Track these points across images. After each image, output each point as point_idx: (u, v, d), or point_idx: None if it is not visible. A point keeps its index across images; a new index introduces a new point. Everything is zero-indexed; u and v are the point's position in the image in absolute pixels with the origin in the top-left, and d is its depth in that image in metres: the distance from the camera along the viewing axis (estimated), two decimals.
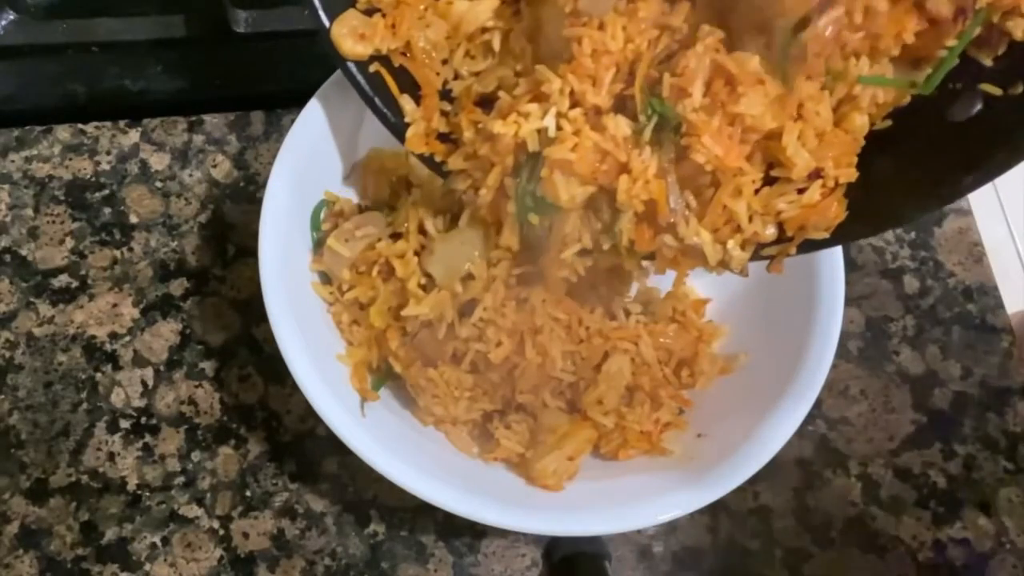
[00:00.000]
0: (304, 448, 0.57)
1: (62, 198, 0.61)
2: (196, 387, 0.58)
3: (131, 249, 0.61)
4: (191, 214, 0.62)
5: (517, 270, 0.48)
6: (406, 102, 0.46)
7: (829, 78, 0.40)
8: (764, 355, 0.53)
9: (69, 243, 0.60)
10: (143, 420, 0.57)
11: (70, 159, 0.62)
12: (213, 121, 0.65)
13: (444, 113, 0.46)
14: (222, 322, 0.59)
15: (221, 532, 0.55)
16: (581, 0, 0.40)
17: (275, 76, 0.67)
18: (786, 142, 0.39)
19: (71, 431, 0.56)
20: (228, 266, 0.61)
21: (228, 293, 0.60)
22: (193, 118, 0.65)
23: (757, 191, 0.41)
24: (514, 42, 0.44)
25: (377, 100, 0.46)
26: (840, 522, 0.58)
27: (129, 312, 0.59)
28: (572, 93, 0.40)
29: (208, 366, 0.58)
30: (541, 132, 0.40)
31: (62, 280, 0.59)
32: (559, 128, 0.40)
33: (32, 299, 0.59)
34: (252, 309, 0.60)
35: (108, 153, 0.63)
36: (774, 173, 0.41)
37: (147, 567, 0.54)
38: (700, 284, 0.57)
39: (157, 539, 0.54)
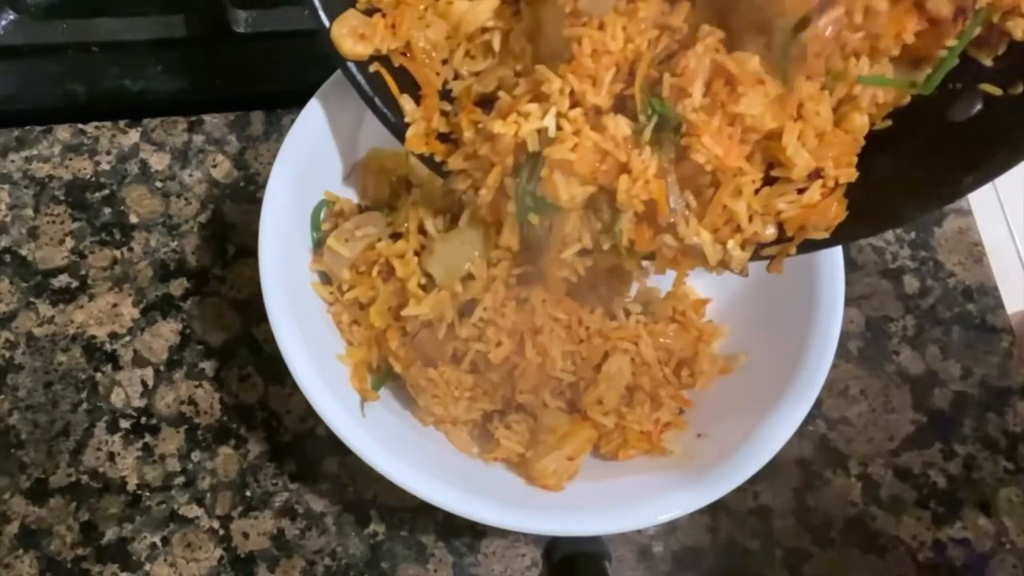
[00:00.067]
0: (304, 448, 0.57)
1: (62, 198, 0.61)
2: (196, 387, 0.58)
3: (131, 249, 0.61)
4: (191, 214, 0.62)
5: (517, 270, 0.48)
6: (406, 102, 0.46)
7: (829, 78, 0.40)
8: (764, 355, 0.53)
9: (69, 243, 0.60)
10: (143, 420, 0.57)
11: (70, 159, 0.62)
12: (213, 121, 0.65)
13: (444, 113, 0.46)
14: (222, 322, 0.59)
15: (221, 532, 0.55)
16: (581, 0, 0.40)
17: (275, 76, 0.67)
18: (786, 142, 0.39)
19: (71, 431, 0.56)
20: (228, 266, 0.61)
21: (228, 293, 0.60)
22: (193, 118, 0.65)
23: (757, 191, 0.41)
24: (514, 42, 0.44)
25: (377, 100, 0.46)
26: (840, 522, 0.58)
27: (129, 312, 0.59)
28: (572, 93, 0.40)
29: (208, 366, 0.58)
30: (541, 132, 0.40)
31: (62, 280, 0.59)
32: (559, 128, 0.40)
33: (32, 299, 0.59)
34: (252, 309, 0.60)
35: (108, 153, 0.63)
36: (774, 173, 0.41)
37: (147, 567, 0.54)
38: (700, 284, 0.57)
39: (157, 539, 0.54)
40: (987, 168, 0.38)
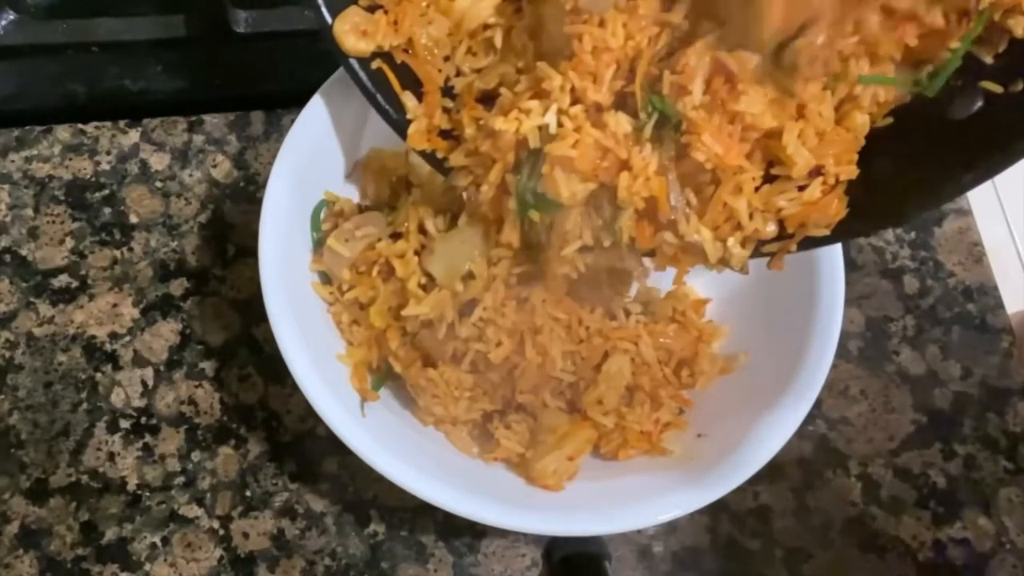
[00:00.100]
0: (304, 448, 0.57)
1: (62, 198, 0.61)
2: (196, 387, 0.58)
3: (131, 249, 0.61)
4: (191, 214, 0.62)
5: (517, 269, 0.48)
6: (408, 99, 0.46)
7: (830, 78, 0.40)
8: (764, 355, 0.53)
9: (69, 243, 0.60)
10: (143, 420, 0.57)
11: (70, 159, 0.62)
12: (213, 121, 0.65)
13: (446, 110, 0.46)
14: (222, 322, 0.59)
15: (221, 532, 0.55)
16: None
17: (275, 76, 0.67)
18: (786, 141, 0.39)
19: (71, 431, 0.56)
20: (228, 266, 0.61)
21: (228, 293, 0.60)
22: (193, 118, 0.65)
23: (757, 188, 0.41)
24: (516, 39, 0.44)
25: (379, 97, 0.46)
26: (840, 522, 0.58)
27: (129, 312, 0.59)
28: (573, 90, 0.40)
29: (208, 366, 0.58)
30: (542, 129, 0.41)
31: (62, 280, 0.59)
32: (560, 125, 0.40)
33: (32, 299, 0.59)
34: (252, 309, 0.60)
35: (108, 153, 0.63)
36: (774, 171, 0.41)
37: (147, 567, 0.53)
38: (700, 283, 0.57)
39: (157, 539, 0.54)
40: (987, 166, 0.38)
